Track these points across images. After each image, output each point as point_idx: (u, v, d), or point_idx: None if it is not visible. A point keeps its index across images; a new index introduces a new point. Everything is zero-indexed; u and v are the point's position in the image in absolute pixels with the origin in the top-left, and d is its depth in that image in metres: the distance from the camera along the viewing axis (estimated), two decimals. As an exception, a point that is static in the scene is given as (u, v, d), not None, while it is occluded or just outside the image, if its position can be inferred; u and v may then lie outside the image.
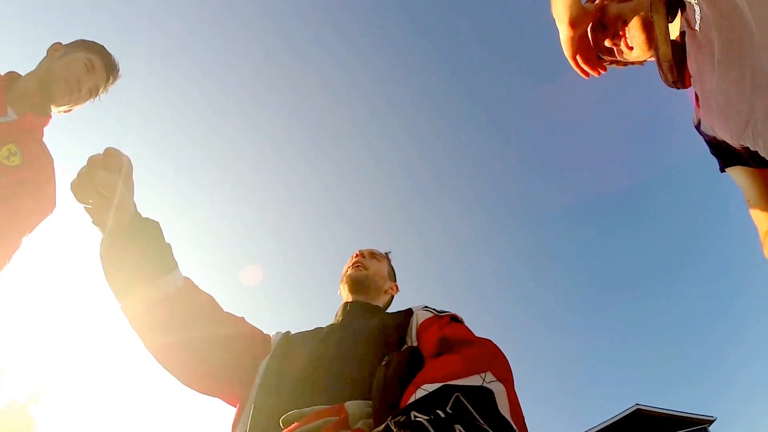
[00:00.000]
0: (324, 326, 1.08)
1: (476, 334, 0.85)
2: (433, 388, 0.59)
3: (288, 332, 1.08)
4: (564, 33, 0.95)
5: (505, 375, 0.65)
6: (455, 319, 0.95)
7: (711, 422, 16.67)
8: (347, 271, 1.24)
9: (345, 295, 1.21)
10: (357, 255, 1.27)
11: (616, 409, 15.61)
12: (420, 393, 0.60)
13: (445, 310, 1.00)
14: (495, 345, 0.75)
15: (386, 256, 1.37)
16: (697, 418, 16.47)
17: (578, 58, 0.99)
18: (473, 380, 0.61)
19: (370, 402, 0.72)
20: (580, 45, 0.98)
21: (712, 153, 0.93)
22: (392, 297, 1.30)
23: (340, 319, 1.10)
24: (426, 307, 1.03)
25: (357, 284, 1.19)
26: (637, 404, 15.67)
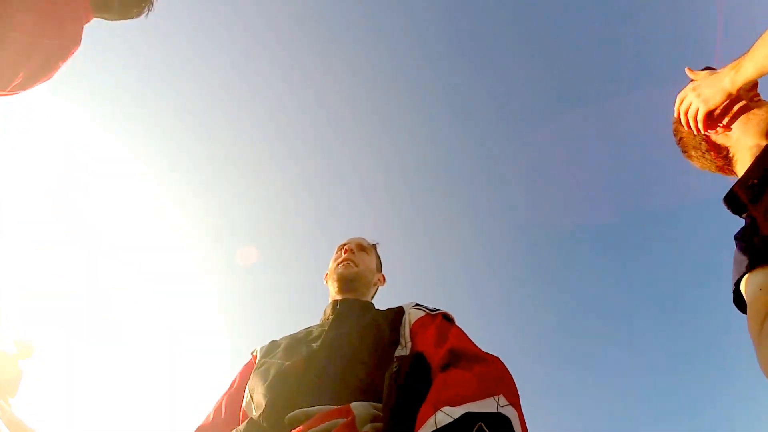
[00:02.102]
0: (313, 326, 1.08)
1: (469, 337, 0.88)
2: (456, 415, 0.60)
3: (273, 341, 1.07)
4: (724, 91, 0.87)
5: (515, 397, 0.67)
6: (447, 317, 0.96)
7: None
8: (336, 267, 1.21)
9: (333, 292, 1.19)
10: (346, 250, 1.24)
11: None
12: (441, 418, 0.61)
13: (436, 308, 1.00)
14: (503, 363, 0.76)
15: (374, 247, 1.35)
16: None
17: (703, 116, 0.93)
18: (488, 404, 0.63)
19: (375, 404, 0.75)
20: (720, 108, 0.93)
21: (742, 249, 0.87)
22: (378, 288, 1.30)
23: (331, 318, 1.08)
24: (417, 304, 1.03)
25: (348, 283, 1.17)
26: None
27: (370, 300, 1.23)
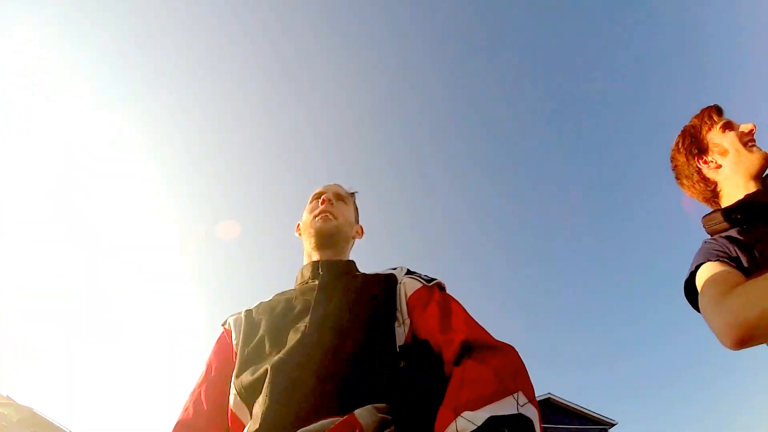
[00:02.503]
0: (290, 292, 0.97)
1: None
2: (479, 421, 0.58)
3: (247, 311, 0.96)
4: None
5: (532, 393, 0.65)
6: (441, 287, 0.91)
7: (612, 425, 18.33)
8: (313, 220, 1.06)
9: (309, 248, 1.06)
10: (323, 201, 1.08)
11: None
12: (463, 425, 0.58)
13: (430, 276, 0.93)
14: (516, 352, 0.72)
15: (352, 195, 1.21)
16: (600, 419, 17.87)
17: None
18: (509, 405, 0.60)
19: (378, 406, 0.70)
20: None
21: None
22: (355, 241, 1.17)
23: (312, 283, 0.96)
24: (409, 272, 0.96)
25: (327, 238, 1.04)
26: (549, 393, 16.64)
27: (348, 255, 1.11)
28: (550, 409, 16.67)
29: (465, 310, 0.84)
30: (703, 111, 1.12)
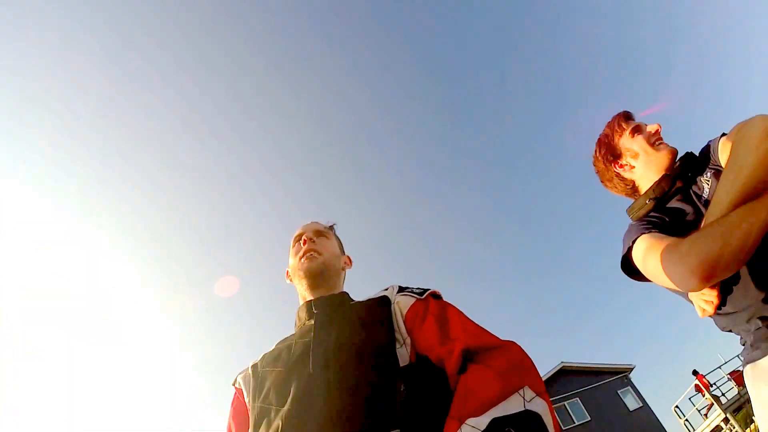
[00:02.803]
0: (290, 338, 0.97)
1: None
2: (482, 426, 0.58)
3: (254, 367, 0.96)
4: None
5: (540, 385, 0.65)
6: (435, 295, 0.92)
7: (631, 370, 18.53)
8: (300, 262, 1.07)
9: (303, 290, 1.06)
10: (304, 240, 1.09)
11: (543, 369, 16.57)
12: None
13: (422, 288, 0.94)
14: (519, 347, 0.72)
15: (331, 228, 1.22)
16: (618, 368, 18.16)
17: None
18: (515, 403, 0.61)
19: None
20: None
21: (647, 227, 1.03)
22: (346, 272, 1.18)
23: (306, 321, 0.98)
24: (401, 288, 0.96)
25: (316, 277, 1.04)
26: (562, 362, 16.97)
27: (341, 287, 1.11)
28: (566, 375, 16.89)
29: (462, 315, 0.85)
30: (613, 119, 1.24)
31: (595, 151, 1.27)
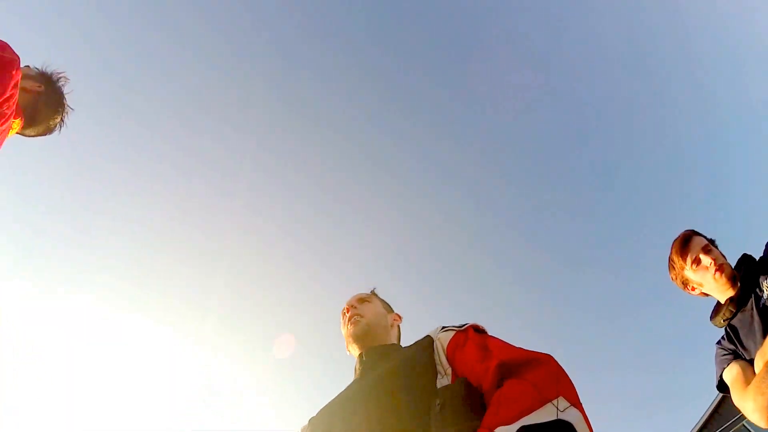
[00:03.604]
0: (344, 391, 1.06)
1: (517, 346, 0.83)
2: None
3: (312, 421, 1.07)
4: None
5: (575, 396, 0.65)
6: (477, 329, 0.95)
7: None
8: (347, 328, 1.19)
9: (355, 351, 1.16)
10: (347, 308, 1.22)
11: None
12: None
13: (461, 323, 0.98)
14: (555, 360, 0.73)
15: (373, 293, 1.33)
16: None
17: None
18: (548, 412, 0.61)
19: None
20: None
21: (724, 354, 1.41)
22: (399, 327, 1.28)
23: (359, 369, 1.07)
24: (443, 327, 1.01)
25: (364, 338, 1.15)
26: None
27: (395, 342, 1.22)
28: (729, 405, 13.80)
29: (501, 340, 0.88)
30: (672, 248, 1.54)
31: (670, 272, 1.58)
